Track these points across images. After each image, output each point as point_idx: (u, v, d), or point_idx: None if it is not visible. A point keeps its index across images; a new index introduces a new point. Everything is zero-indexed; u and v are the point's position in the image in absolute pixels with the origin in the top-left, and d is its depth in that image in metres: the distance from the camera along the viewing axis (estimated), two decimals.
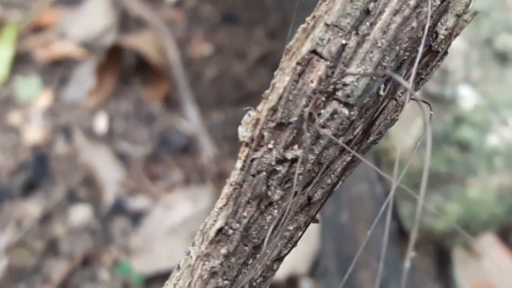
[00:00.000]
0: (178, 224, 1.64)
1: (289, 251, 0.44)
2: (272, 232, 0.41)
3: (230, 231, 0.41)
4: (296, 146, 0.39)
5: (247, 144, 0.40)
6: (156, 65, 1.79)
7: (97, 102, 1.79)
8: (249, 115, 0.40)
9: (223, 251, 0.41)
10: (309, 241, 1.47)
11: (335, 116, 0.38)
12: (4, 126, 1.76)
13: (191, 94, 1.80)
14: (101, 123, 1.76)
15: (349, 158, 0.40)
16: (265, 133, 0.39)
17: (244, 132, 0.40)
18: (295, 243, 0.43)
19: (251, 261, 0.42)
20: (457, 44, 1.01)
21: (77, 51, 1.86)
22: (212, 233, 0.41)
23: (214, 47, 1.91)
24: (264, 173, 0.39)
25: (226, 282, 0.42)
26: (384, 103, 0.39)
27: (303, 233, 0.43)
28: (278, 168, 0.39)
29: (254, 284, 0.43)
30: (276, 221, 0.41)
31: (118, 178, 1.68)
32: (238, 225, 0.41)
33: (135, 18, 1.94)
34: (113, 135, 1.75)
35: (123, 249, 1.57)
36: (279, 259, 0.44)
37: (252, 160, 0.40)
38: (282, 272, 1.47)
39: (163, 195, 1.67)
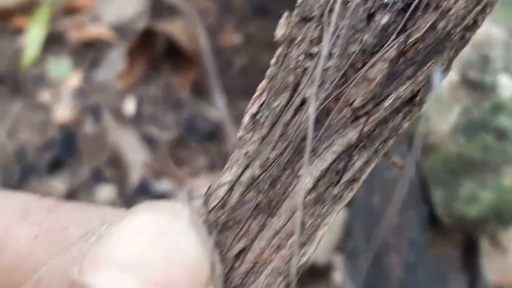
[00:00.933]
0: None
1: (344, 177, 0.40)
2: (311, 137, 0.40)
3: (263, 119, 0.42)
4: (321, 42, 0.41)
5: (281, 43, 0.41)
6: (187, 52, 1.81)
7: (127, 85, 1.81)
8: (285, 17, 0.41)
9: (256, 137, 0.42)
10: (329, 232, 1.47)
11: (351, 7, 0.39)
12: (33, 104, 1.79)
13: (219, 83, 1.82)
14: (129, 106, 1.78)
15: (385, 65, 0.39)
16: (294, 30, 0.40)
17: (278, 31, 0.41)
18: (353, 165, 0.40)
19: (295, 166, 0.41)
20: (498, 33, 1.02)
21: (109, 35, 1.89)
22: (246, 119, 0.42)
23: (244, 37, 1.92)
24: (292, 66, 0.40)
25: (264, 175, 0.41)
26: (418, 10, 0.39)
27: (366, 162, 0.41)
28: (306, 63, 0.41)
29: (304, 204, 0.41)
30: (311, 120, 0.40)
31: (144, 161, 1.69)
32: (269, 112, 0.42)
33: (167, 5, 1.96)
34: (141, 118, 1.76)
35: None
36: (338, 183, 0.41)
37: (284, 56, 0.41)
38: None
39: (187, 179, 1.69)
